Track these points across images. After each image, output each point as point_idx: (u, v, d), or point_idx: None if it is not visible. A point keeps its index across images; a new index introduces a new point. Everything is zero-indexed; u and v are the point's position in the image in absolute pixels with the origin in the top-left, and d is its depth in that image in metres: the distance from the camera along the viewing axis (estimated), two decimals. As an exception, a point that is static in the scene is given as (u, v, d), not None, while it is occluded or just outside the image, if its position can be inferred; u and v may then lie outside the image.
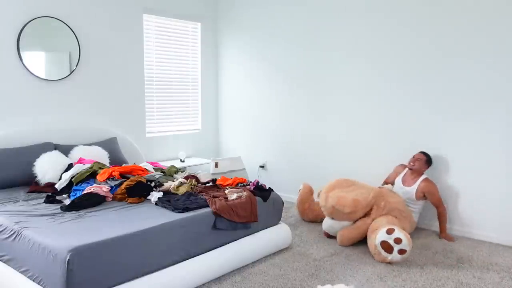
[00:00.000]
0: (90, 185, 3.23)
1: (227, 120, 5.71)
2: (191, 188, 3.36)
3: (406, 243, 3.09)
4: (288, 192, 5.04)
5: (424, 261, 3.27)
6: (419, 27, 3.94)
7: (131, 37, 4.74)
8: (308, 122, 4.84)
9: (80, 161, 3.78)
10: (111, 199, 3.17)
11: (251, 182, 3.61)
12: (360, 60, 4.36)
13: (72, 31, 4.24)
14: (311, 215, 4.14)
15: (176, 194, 3.23)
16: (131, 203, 3.10)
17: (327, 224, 3.66)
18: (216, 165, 4.83)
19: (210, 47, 5.62)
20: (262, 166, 5.34)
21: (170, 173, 3.79)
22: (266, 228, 3.37)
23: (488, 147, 3.67)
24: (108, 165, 3.91)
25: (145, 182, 3.33)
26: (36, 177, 3.59)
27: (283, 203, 3.54)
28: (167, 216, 2.77)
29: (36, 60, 4.02)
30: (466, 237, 3.82)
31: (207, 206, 3.01)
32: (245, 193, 3.25)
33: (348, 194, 3.49)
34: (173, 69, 5.25)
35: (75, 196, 3.13)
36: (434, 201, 3.75)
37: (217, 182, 3.61)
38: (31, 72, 3.98)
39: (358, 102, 4.42)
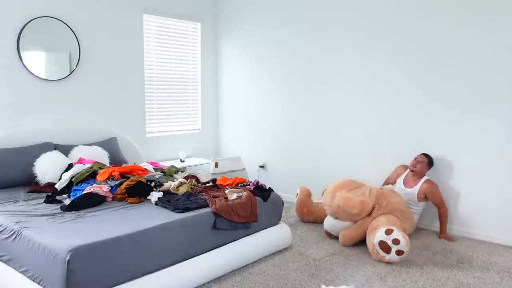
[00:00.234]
0: (90, 185, 3.22)
1: (227, 120, 5.71)
2: (191, 188, 3.36)
3: (404, 244, 3.09)
4: (288, 192, 5.04)
5: (424, 261, 3.27)
6: (421, 27, 3.94)
7: (131, 37, 4.74)
8: (309, 122, 4.84)
9: (80, 161, 3.78)
10: (111, 199, 3.17)
11: (251, 182, 3.61)
12: (361, 59, 4.36)
13: (72, 31, 4.24)
14: (311, 218, 4.13)
15: (176, 194, 3.23)
16: (131, 203, 3.10)
17: (329, 223, 3.65)
18: (216, 165, 4.83)
19: (210, 47, 5.62)
20: (262, 166, 5.34)
21: (170, 173, 3.79)
22: (266, 228, 3.37)
23: (488, 147, 3.67)
24: (108, 165, 3.91)
25: (145, 182, 3.33)
26: (36, 177, 3.59)
27: (283, 203, 3.53)
28: (167, 216, 2.77)
29: (36, 60, 4.02)
30: (466, 237, 3.82)
31: (207, 206, 3.01)
32: (245, 193, 3.25)
33: (355, 195, 3.50)
34: (173, 69, 5.25)
35: (75, 196, 3.13)
36: (436, 202, 3.75)
37: (217, 182, 3.61)
38: (31, 72, 3.98)
39: (359, 102, 4.41)
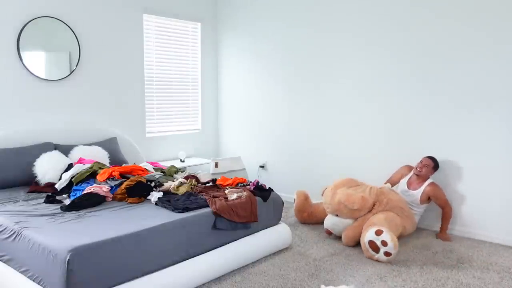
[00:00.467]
0: (90, 185, 3.23)
1: (227, 120, 5.71)
2: (191, 188, 3.36)
3: (391, 247, 3.12)
4: (288, 192, 5.04)
5: (424, 261, 3.27)
6: (425, 27, 3.94)
7: (131, 37, 4.74)
8: (309, 122, 4.84)
9: (80, 161, 3.78)
10: (111, 199, 3.17)
11: (251, 182, 3.61)
12: (363, 59, 4.36)
13: (72, 31, 4.24)
14: (313, 221, 4.09)
15: (176, 194, 3.23)
16: (131, 203, 3.10)
17: (330, 221, 3.65)
18: (216, 165, 4.83)
19: (210, 47, 5.62)
20: (262, 166, 5.34)
21: (170, 173, 3.79)
22: (266, 228, 3.37)
23: (488, 148, 3.67)
24: (108, 165, 3.91)
25: (145, 182, 3.33)
26: (36, 177, 3.59)
27: (283, 203, 3.53)
28: (167, 216, 2.77)
29: (36, 60, 4.02)
30: (466, 237, 3.82)
31: (207, 206, 3.01)
32: (245, 193, 3.25)
33: (356, 192, 3.53)
34: (173, 69, 5.25)
35: (75, 196, 3.13)
36: (441, 203, 3.75)
37: (217, 182, 3.61)
38: (31, 72, 3.98)
39: (360, 102, 4.41)
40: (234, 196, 3.18)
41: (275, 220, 3.46)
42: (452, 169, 3.87)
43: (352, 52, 4.41)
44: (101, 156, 4.02)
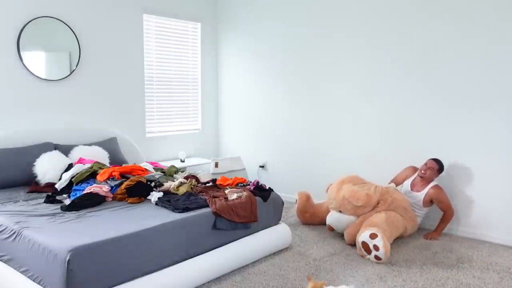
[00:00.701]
0: (90, 185, 3.23)
1: (227, 120, 5.71)
2: (191, 188, 3.37)
3: (382, 252, 3.14)
4: (288, 192, 5.04)
5: (424, 261, 3.27)
6: (425, 27, 3.94)
7: (131, 37, 4.74)
8: (309, 122, 4.84)
9: (80, 161, 3.78)
10: (111, 199, 3.17)
11: (251, 182, 3.61)
12: (365, 59, 4.36)
13: (72, 31, 4.24)
14: (315, 221, 4.07)
15: (176, 194, 3.23)
16: (131, 203, 3.10)
17: (333, 217, 3.65)
18: (216, 165, 4.83)
19: (210, 47, 5.63)
20: (262, 166, 5.34)
21: (170, 173, 3.79)
22: (266, 228, 3.37)
23: (489, 148, 3.67)
24: (108, 165, 3.91)
25: (145, 182, 3.33)
26: (36, 177, 3.59)
27: (283, 203, 3.53)
28: (167, 216, 2.77)
29: (36, 60, 4.02)
30: (466, 237, 3.82)
31: (207, 206, 3.01)
32: (245, 193, 3.25)
33: (361, 189, 3.54)
34: (173, 69, 5.25)
35: (75, 196, 3.13)
36: (443, 207, 3.72)
37: (217, 182, 3.61)
38: (31, 72, 3.98)
39: (361, 102, 4.41)
40: (234, 196, 3.18)
41: (275, 220, 3.47)
42: (451, 169, 3.87)
43: (352, 52, 4.41)
44: (101, 156, 4.03)
